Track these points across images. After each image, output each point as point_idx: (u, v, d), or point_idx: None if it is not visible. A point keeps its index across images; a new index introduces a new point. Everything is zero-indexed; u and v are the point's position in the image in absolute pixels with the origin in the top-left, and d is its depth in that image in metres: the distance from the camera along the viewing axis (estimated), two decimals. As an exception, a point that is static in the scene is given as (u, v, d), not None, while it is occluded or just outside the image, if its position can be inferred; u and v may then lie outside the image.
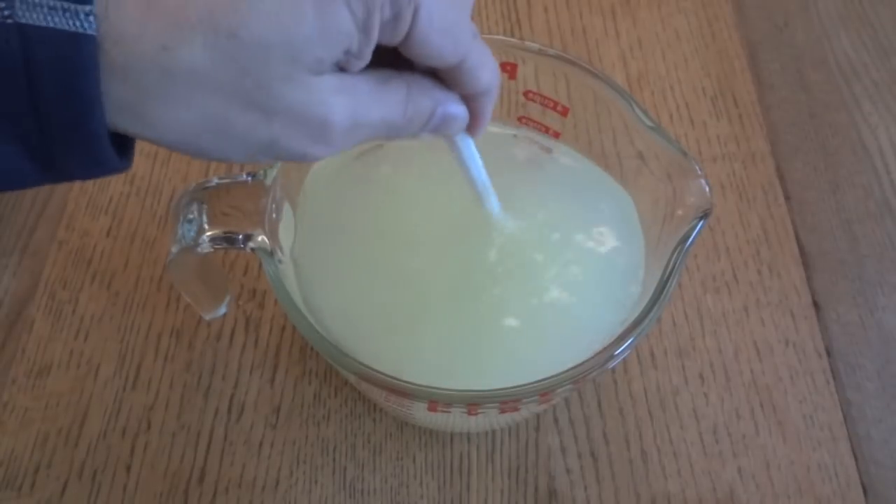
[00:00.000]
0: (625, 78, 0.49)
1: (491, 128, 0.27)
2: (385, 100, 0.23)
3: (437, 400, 0.27)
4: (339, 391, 0.39)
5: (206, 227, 0.29)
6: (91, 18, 0.18)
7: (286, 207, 0.33)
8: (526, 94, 0.36)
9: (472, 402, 0.27)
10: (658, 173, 0.31)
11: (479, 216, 0.34)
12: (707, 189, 0.29)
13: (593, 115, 0.34)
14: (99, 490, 0.37)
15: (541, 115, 0.36)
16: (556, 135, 0.37)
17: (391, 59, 0.23)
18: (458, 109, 0.25)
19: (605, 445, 0.38)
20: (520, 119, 0.37)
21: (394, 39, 0.21)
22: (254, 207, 0.30)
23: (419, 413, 0.32)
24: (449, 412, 0.29)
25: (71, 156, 0.20)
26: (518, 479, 0.37)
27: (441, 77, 0.24)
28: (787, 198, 0.45)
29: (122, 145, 0.21)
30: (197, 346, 0.41)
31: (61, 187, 0.45)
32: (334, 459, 0.38)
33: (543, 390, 0.27)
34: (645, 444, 0.38)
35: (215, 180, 0.30)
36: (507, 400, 0.27)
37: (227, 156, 0.22)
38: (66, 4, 0.18)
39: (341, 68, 0.21)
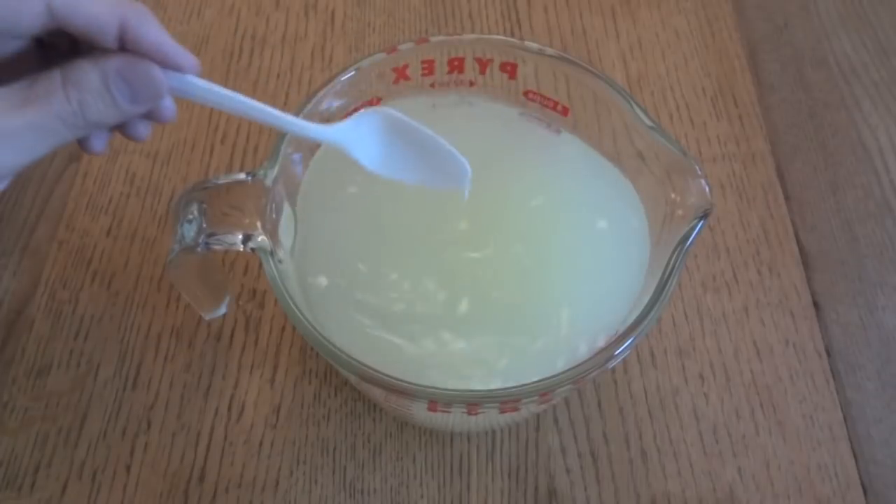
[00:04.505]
0: (625, 78, 0.49)
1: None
2: (32, 100, 0.21)
3: (437, 400, 0.27)
4: (339, 391, 0.39)
5: (206, 227, 0.29)
6: None
7: (286, 207, 0.33)
8: (526, 93, 0.36)
9: (472, 402, 0.27)
10: (658, 173, 0.31)
11: (484, 216, 0.34)
12: (707, 189, 0.29)
13: (593, 115, 0.34)
14: (99, 490, 0.37)
15: (541, 115, 0.36)
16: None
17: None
18: (132, 60, 0.22)
19: (605, 445, 0.38)
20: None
21: (32, 22, 0.20)
22: (254, 207, 0.30)
23: (419, 413, 0.32)
24: (449, 412, 0.29)
25: None
26: (518, 479, 0.37)
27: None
28: (787, 198, 0.45)
29: None
30: (197, 346, 0.41)
31: (61, 187, 0.46)
32: (334, 459, 0.38)
33: (543, 390, 0.27)
34: (645, 444, 0.38)
35: (215, 180, 0.30)
36: (507, 400, 0.27)
37: None
38: None
39: None
